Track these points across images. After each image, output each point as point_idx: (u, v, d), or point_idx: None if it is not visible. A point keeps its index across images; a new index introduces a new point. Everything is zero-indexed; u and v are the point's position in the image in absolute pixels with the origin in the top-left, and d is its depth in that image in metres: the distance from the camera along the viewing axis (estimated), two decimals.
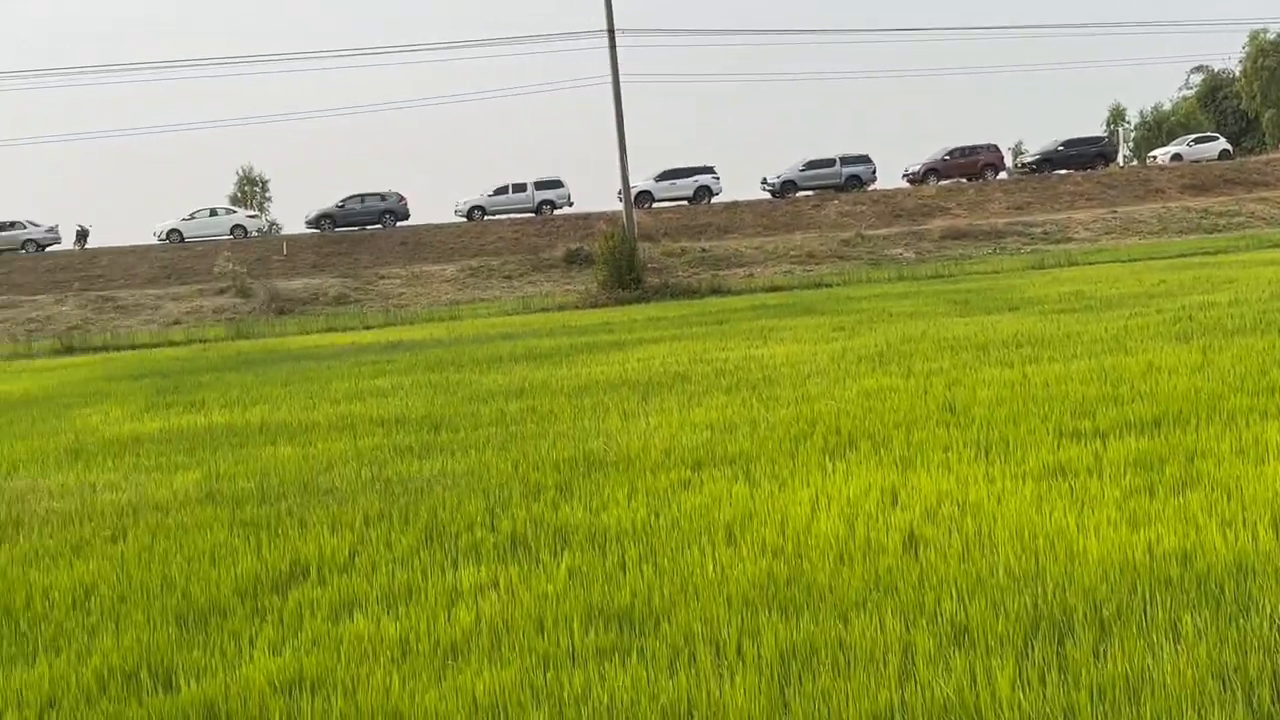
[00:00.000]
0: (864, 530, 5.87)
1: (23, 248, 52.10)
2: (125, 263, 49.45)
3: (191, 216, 54.38)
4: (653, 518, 6.54)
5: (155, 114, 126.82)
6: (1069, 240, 47.94)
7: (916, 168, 59.28)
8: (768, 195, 57.72)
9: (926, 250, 47.38)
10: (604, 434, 9.49)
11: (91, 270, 48.54)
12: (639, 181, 52.73)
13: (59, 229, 54.73)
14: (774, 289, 37.86)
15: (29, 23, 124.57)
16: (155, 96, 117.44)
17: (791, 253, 47.87)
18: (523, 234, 52.00)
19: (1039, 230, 49.43)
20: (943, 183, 58.17)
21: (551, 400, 12.03)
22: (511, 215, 55.22)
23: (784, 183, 57.32)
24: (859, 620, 4.64)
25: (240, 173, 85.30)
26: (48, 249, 53.05)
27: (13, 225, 54.25)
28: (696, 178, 56.13)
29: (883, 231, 50.20)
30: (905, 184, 59.08)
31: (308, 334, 32.36)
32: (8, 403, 16.49)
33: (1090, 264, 36.94)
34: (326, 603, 5.44)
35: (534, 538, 6.29)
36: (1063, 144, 61.09)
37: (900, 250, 47.70)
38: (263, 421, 12.02)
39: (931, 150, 61.29)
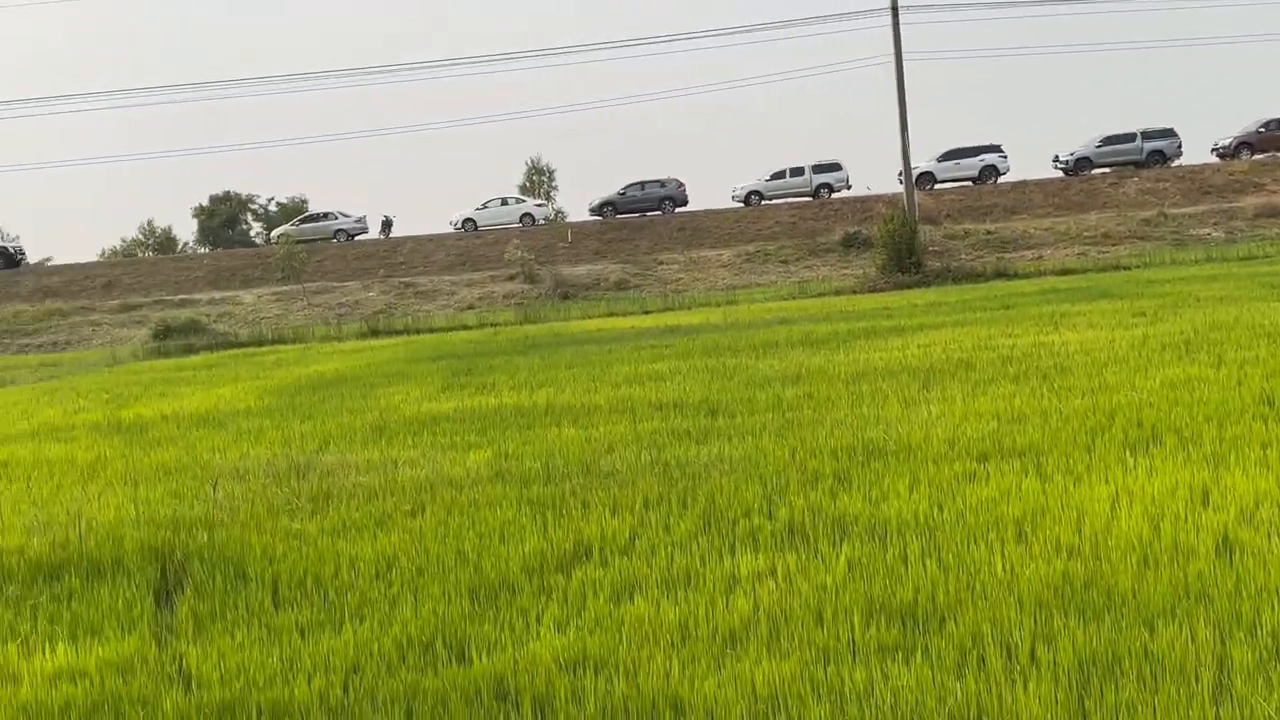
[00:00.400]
0: (1171, 532, 5.45)
1: (334, 237, 56.08)
2: (424, 250, 52.43)
3: (484, 206, 57.03)
4: (936, 511, 6.32)
5: (449, 108, 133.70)
6: None
7: (1227, 141, 54.92)
8: (1059, 173, 54.96)
9: (1238, 229, 43.85)
10: (883, 422, 9.27)
11: (394, 258, 51.74)
12: (920, 162, 51.33)
13: (366, 219, 58.59)
14: (1065, 272, 36.00)
15: (338, 23, 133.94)
16: (449, 91, 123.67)
17: (1085, 234, 45.39)
18: (800, 218, 51.65)
19: None
20: (1257, 157, 53.63)
21: (829, 386, 11.86)
22: (789, 199, 54.94)
23: (1078, 160, 54.39)
24: (1167, 629, 4.31)
25: (529, 163, 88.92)
26: (356, 238, 56.88)
27: (325, 216, 58.55)
28: (982, 157, 54.07)
29: (1188, 210, 46.82)
30: (1214, 159, 54.87)
31: (590, 318, 33.31)
32: (321, 382, 17.75)
33: None
34: (608, 584, 5.54)
35: (812, 527, 6.20)
36: None
37: (1208, 230, 44.37)
38: (548, 404, 12.43)
39: (1243, 123, 56.66)
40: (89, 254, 78.40)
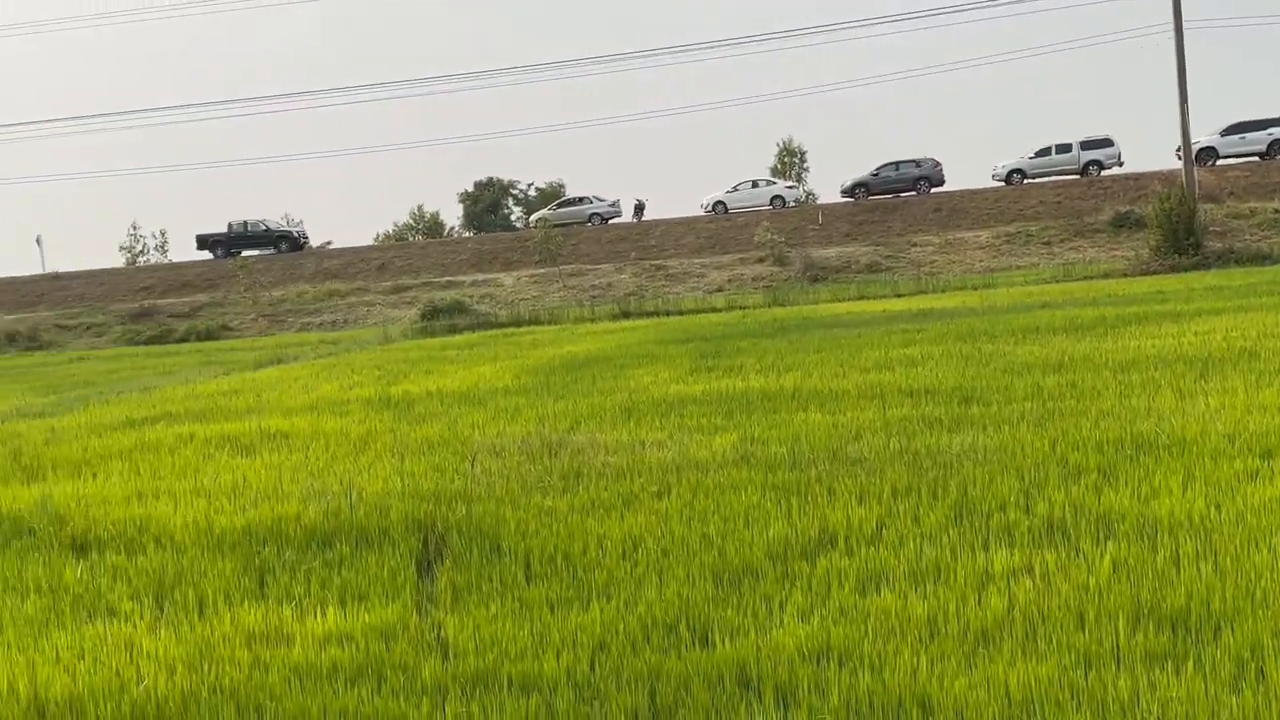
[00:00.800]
0: None
1: (589, 221, 57.49)
2: (675, 233, 53.03)
3: (735, 189, 57.16)
4: (1212, 510, 5.88)
5: (703, 93, 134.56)
6: None
7: None
8: None
9: None
10: (1155, 414, 8.71)
11: (646, 241, 52.58)
12: (1201, 137, 47.97)
13: (620, 203, 59.77)
14: None
15: (594, 8, 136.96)
16: (703, 74, 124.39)
17: None
18: (1065, 197, 49.25)
19: None
20: None
21: (1094, 375, 11.26)
22: (1053, 178, 52.48)
23: None
24: None
25: (781, 145, 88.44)
26: (610, 222, 58.12)
27: (581, 200, 60.09)
28: (1270, 130, 49.99)
29: None
30: None
31: (839, 301, 32.88)
32: (575, 362, 18.23)
33: None
34: (854, 573, 5.43)
35: (1073, 524, 5.89)
36: None
37: None
38: (795, 388, 12.32)
39: None
40: (365, 238, 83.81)
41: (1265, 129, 50.23)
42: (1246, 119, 50.98)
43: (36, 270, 60.85)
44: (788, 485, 7.32)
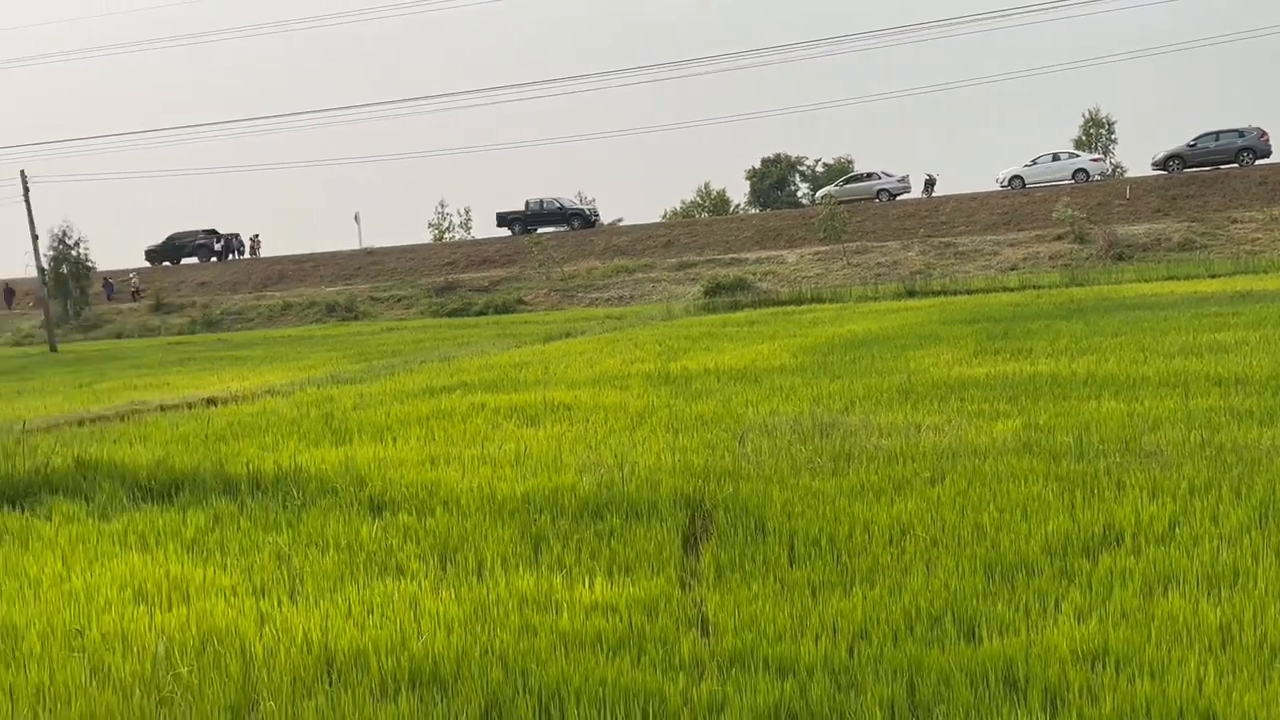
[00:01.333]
0: None
1: (877, 197, 56.38)
2: (967, 209, 51.25)
3: (1033, 162, 54.60)
4: None
5: (998, 61, 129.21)
6: None
7: None
8: None
9: None
10: None
11: (935, 218, 51.09)
12: None
13: (909, 179, 58.31)
14: None
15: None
16: (995, 43, 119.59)
17: None
18: None
19: None
20: None
21: None
22: None
23: None
24: None
25: (1086, 115, 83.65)
26: (898, 198, 56.82)
27: (869, 176, 59.00)
28: None
29: None
30: None
31: (1145, 282, 30.86)
32: (854, 342, 17.97)
33: None
34: (1139, 574, 5.10)
35: None
36: None
37: None
38: (1088, 373, 11.68)
39: None
40: (654, 215, 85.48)
41: None
42: None
43: (354, 245, 65.61)
44: (1072, 477, 6.95)
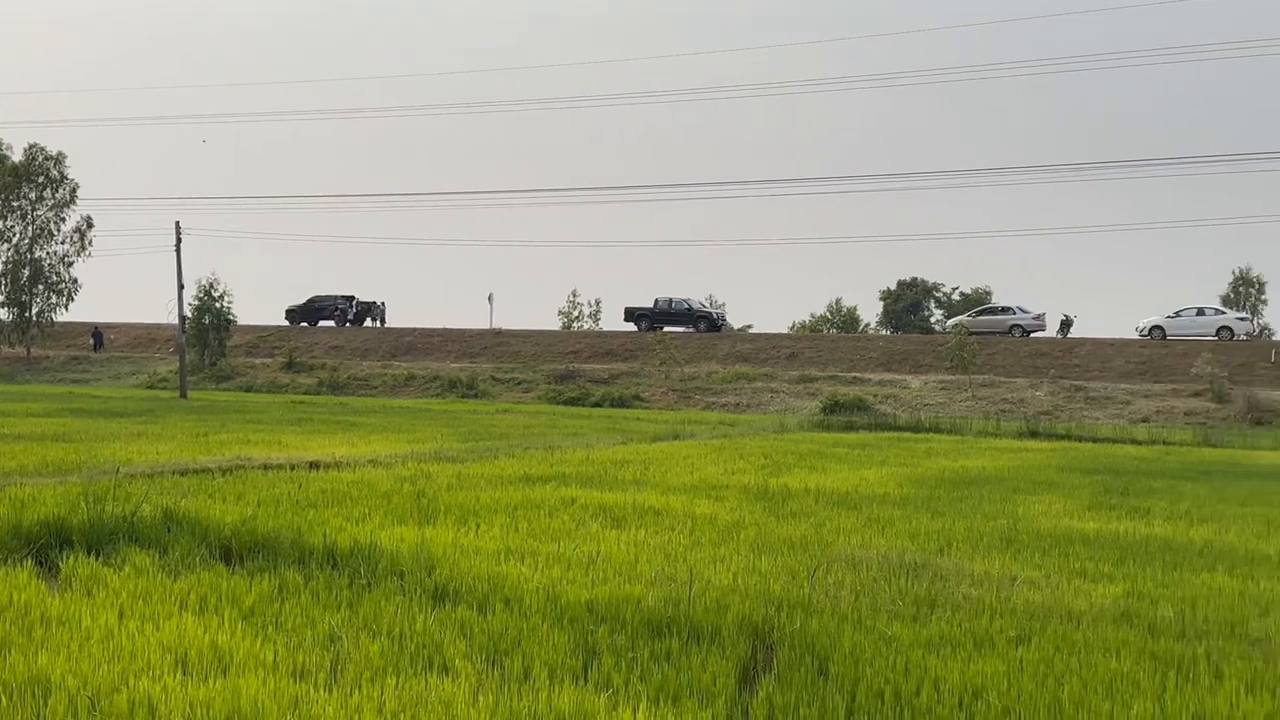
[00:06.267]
0: None
1: (1010, 331, 55.42)
2: (1102, 355, 49.94)
3: (1177, 314, 53.19)
4: None
5: (1149, 209, 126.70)
6: None
7: None
8: None
9: None
10: None
11: (1069, 359, 49.87)
12: None
13: (1045, 317, 57.21)
14: None
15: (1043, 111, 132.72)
16: (1150, 190, 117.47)
17: None
18: None
19: None
20: None
21: None
22: None
23: None
24: None
25: (1236, 272, 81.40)
26: (1032, 335, 55.72)
27: (1003, 310, 58.15)
28: None
29: None
30: None
31: None
32: (965, 479, 17.42)
33: None
34: None
35: None
36: None
37: None
38: (1206, 542, 11.06)
39: None
40: (781, 325, 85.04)
41: None
42: None
43: (484, 325, 66.86)
44: (1168, 657, 6.49)
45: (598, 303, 67.70)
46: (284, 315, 67.94)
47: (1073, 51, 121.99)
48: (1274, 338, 58.98)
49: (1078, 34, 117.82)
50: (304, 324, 66.99)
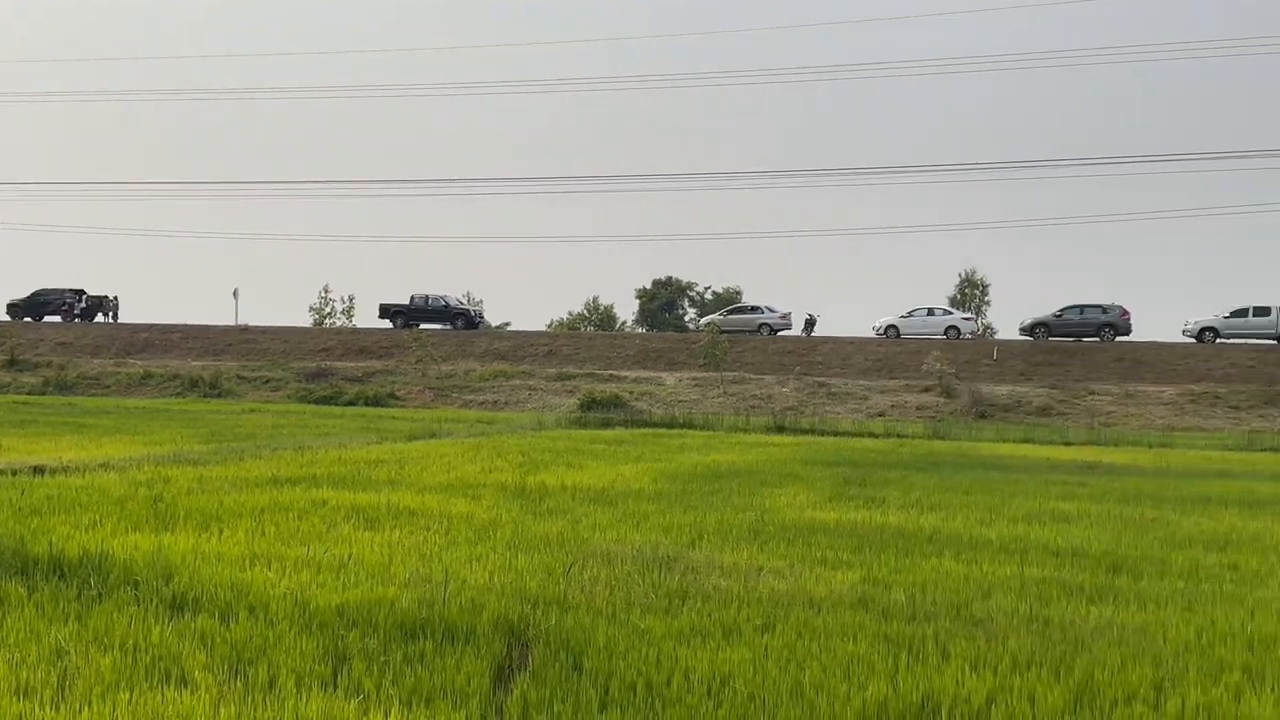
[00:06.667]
0: None
1: (759, 330, 57.48)
2: (843, 352, 52.45)
3: (910, 314, 56.44)
4: None
5: (891, 212, 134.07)
6: None
7: None
8: None
9: None
10: None
11: (813, 357, 52.13)
12: None
13: (791, 316, 59.62)
14: None
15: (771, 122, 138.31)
16: (887, 197, 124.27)
17: None
18: (1260, 362, 46.86)
19: None
20: None
21: (1261, 559, 10.40)
22: (1250, 340, 50.05)
23: None
24: None
25: (962, 275, 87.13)
26: (780, 333, 57.97)
27: (753, 309, 60.26)
28: None
29: None
30: None
31: (1003, 442, 31.72)
32: (716, 472, 17.94)
33: None
34: None
35: None
36: None
37: None
38: (934, 529, 11.77)
39: None
40: (539, 323, 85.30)
41: None
42: None
43: (229, 321, 64.05)
44: (900, 638, 6.88)
45: (351, 299, 66.06)
46: (5, 309, 63.27)
47: (820, 61, 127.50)
48: (996, 336, 63.49)
49: (833, 42, 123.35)
50: (28, 319, 62.53)
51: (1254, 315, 50.20)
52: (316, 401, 45.38)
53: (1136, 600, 8.28)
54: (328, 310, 64.86)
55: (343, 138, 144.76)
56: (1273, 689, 5.97)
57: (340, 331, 60.83)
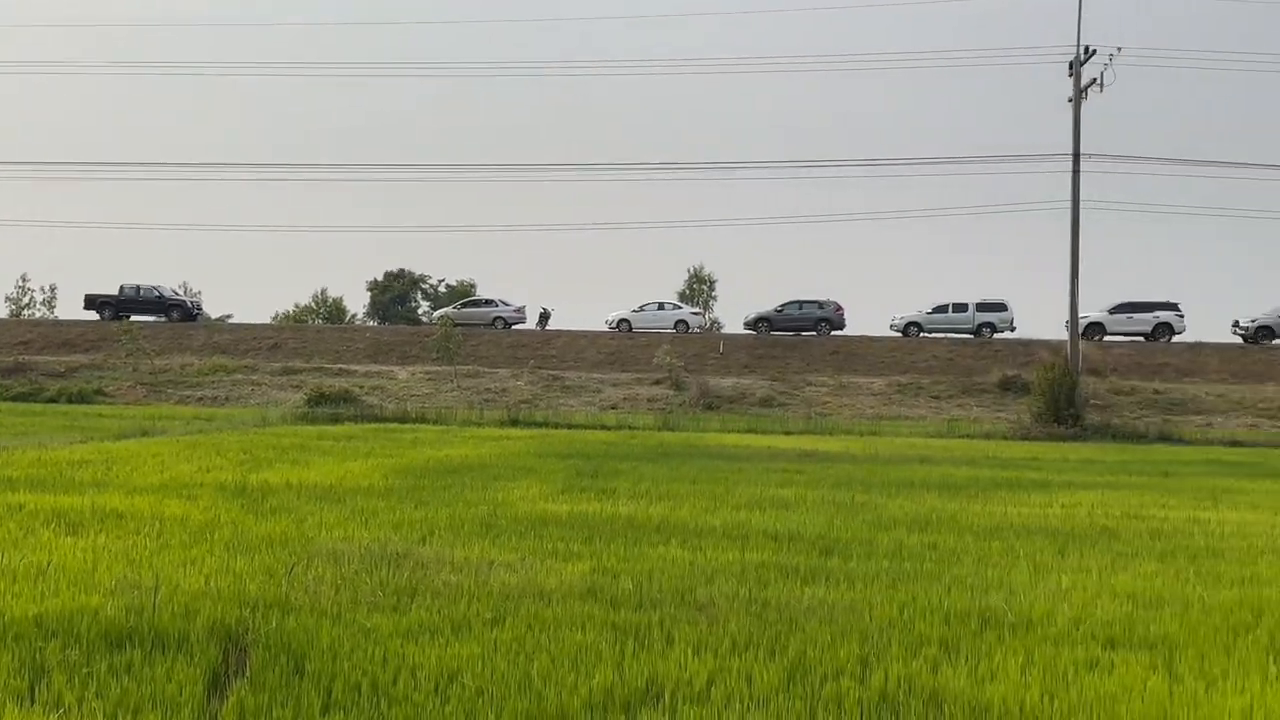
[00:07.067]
0: None
1: (493, 324, 57.32)
2: (577, 346, 53.02)
3: (641, 308, 57.62)
4: (1046, 700, 5.72)
5: (623, 209, 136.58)
6: None
7: None
8: (1239, 339, 52.69)
9: None
10: (1007, 587, 8.63)
11: (547, 350, 52.47)
12: (1090, 312, 49.93)
13: (525, 309, 59.75)
14: (1234, 443, 34.14)
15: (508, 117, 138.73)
16: (621, 193, 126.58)
17: (1260, 404, 43.11)
18: (958, 355, 50.53)
19: None
20: None
21: (957, 538, 11.22)
22: (949, 334, 53.90)
23: (1260, 327, 52.06)
24: None
25: (691, 271, 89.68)
26: (514, 327, 57.99)
27: (487, 303, 60.00)
28: (1157, 313, 52.26)
29: None
30: None
31: (728, 432, 32.93)
32: (449, 467, 17.78)
33: None
34: None
35: (904, 700, 5.68)
36: None
37: None
38: (662, 518, 12.08)
39: None
40: (264, 315, 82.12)
41: (1152, 311, 52.43)
42: (1136, 299, 53.19)
43: None
44: (627, 626, 7.02)
45: (53, 289, 61.63)
46: None
47: (538, 56, 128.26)
48: (723, 331, 65.74)
49: (553, 36, 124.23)
50: None
51: (953, 311, 54.09)
52: (13, 399, 42.03)
53: (846, 580, 8.77)
54: (26, 301, 60.23)
55: (58, 118, 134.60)
56: (966, 659, 6.46)
57: (40, 323, 56.60)
